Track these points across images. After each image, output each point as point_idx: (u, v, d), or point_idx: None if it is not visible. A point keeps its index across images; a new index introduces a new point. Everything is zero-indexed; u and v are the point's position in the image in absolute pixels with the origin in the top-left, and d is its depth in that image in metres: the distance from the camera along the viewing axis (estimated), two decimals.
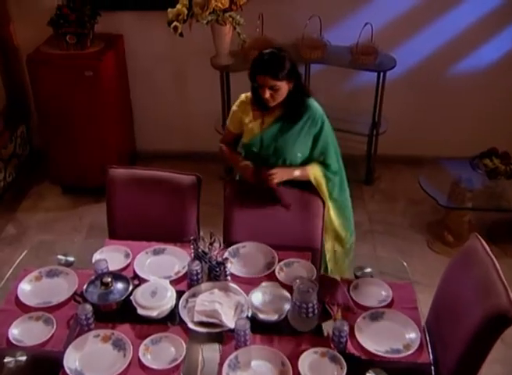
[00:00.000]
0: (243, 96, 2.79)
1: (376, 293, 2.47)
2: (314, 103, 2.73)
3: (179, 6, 3.59)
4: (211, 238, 2.56)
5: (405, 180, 4.56)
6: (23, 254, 2.72)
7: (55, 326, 2.30)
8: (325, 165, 2.80)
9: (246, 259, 2.65)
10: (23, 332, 2.29)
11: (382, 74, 4.04)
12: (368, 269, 2.62)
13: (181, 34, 3.62)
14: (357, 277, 2.57)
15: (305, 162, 2.78)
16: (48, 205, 4.36)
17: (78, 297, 2.39)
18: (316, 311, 2.27)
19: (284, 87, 2.58)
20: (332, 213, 2.87)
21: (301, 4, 4.15)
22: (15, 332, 2.28)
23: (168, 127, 4.70)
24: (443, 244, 3.89)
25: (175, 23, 3.55)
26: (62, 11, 3.85)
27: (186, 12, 3.57)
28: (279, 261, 2.62)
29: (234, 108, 2.81)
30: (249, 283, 2.48)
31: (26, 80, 4.51)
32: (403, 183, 4.54)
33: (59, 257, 2.69)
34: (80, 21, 3.86)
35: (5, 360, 2.17)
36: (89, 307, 2.29)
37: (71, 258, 2.69)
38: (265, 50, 2.63)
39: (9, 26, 4.34)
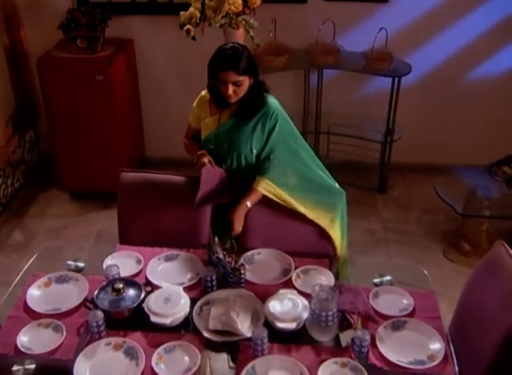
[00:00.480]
0: (203, 92, 2.75)
1: (397, 302, 2.38)
2: (271, 99, 2.67)
3: (191, 9, 3.54)
4: (226, 244, 2.49)
5: (419, 189, 4.48)
6: (32, 259, 2.64)
7: (64, 334, 2.21)
8: (269, 164, 2.67)
9: (261, 266, 2.56)
10: (32, 339, 2.21)
11: (396, 80, 3.96)
12: (388, 277, 2.53)
13: (193, 38, 3.56)
14: (376, 285, 2.49)
15: (256, 160, 2.69)
16: (55, 212, 4.29)
17: (89, 303, 2.31)
18: (336, 319, 2.19)
19: (246, 82, 2.54)
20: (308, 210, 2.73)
21: (315, 9, 4.10)
22: (23, 339, 2.20)
23: (178, 133, 4.60)
24: (460, 253, 3.80)
25: (187, 26, 3.49)
26: (73, 14, 3.81)
27: (198, 15, 3.51)
28: (296, 268, 2.54)
29: (195, 103, 2.78)
30: (265, 291, 2.40)
31: (35, 85, 4.47)
32: (418, 192, 4.46)
33: (69, 263, 2.61)
34: (91, 24, 3.81)
35: (14, 368, 2.09)
36: (100, 314, 2.21)
37: (81, 264, 2.61)
38: (224, 45, 2.58)
39: (20, 31, 4.29)
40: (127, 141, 4.25)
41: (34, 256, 2.66)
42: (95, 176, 4.25)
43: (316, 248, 2.70)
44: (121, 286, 2.32)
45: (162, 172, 2.86)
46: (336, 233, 2.73)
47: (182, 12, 3.58)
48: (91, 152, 4.18)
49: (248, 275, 2.48)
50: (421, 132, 4.47)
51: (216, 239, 2.49)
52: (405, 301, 2.38)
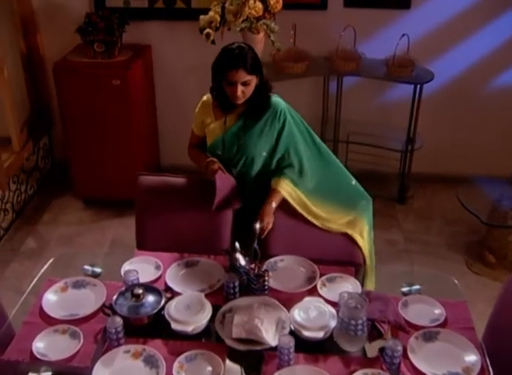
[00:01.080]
0: (204, 97, 2.66)
1: (427, 312, 2.27)
2: (277, 99, 2.59)
3: (211, 13, 3.49)
4: (248, 249, 2.40)
5: (440, 199, 4.38)
6: (47, 264, 2.56)
7: (81, 341, 2.13)
8: (287, 166, 2.60)
9: (284, 274, 2.47)
10: (48, 346, 2.12)
11: (418, 87, 3.88)
12: (417, 286, 2.43)
13: (213, 42, 3.50)
14: (404, 295, 2.39)
15: (268, 162, 2.61)
16: (69, 219, 4.22)
17: (107, 309, 2.22)
18: (365, 329, 2.09)
19: (253, 82, 2.46)
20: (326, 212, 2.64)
21: (335, 15, 4.04)
22: (39, 346, 2.12)
23: None
24: (484, 265, 3.69)
25: (207, 30, 3.43)
26: (91, 18, 3.77)
27: (218, 19, 3.46)
28: (321, 275, 2.45)
29: (197, 109, 2.69)
30: (289, 299, 2.30)
31: (50, 91, 4.43)
32: (438, 203, 4.36)
33: (86, 267, 2.53)
34: (109, 29, 3.77)
35: None
36: (119, 320, 2.12)
37: (98, 270, 2.53)
38: (229, 45, 2.49)
39: (36, 36, 4.26)
40: (143, 148, 4.19)
41: (49, 262, 2.58)
42: (109, 183, 4.19)
43: (340, 255, 2.60)
44: (140, 291, 2.23)
45: (181, 175, 2.78)
46: (363, 239, 2.64)
47: (201, 16, 3.52)
48: (106, 159, 4.11)
49: (271, 282, 2.38)
50: (443, 141, 4.38)
51: (237, 245, 2.40)
52: (436, 311, 2.27)
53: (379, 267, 2.78)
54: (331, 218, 2.61)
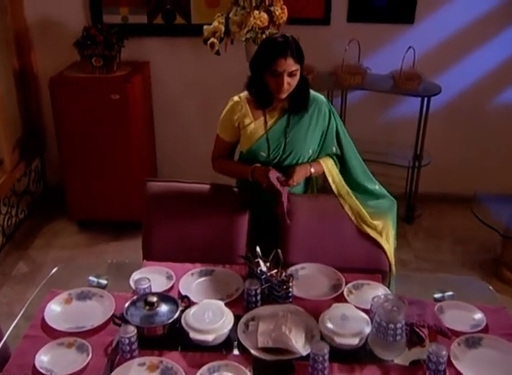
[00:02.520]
0: (235, 98, 2.49)
1: (466, 317, 2.10)
2: (316, 93, 2.49)
3: (215, 23, 3.39)
4: (271, 254, 2.22)
5: (448, 218, 4.25)
6: (51, 273, 2.36)
7: (90, 354, 1.91)
8: (337, 156, 2.53)
9: (307, 282, 2.29)
10: (53, 360, 1.90)
11: (426, 101, 3.80)
12: (450, 293, 2.27)
13: (218, 52, 3.39)
14: (437, 301, 2.22)
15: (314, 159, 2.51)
16: (63, 243, 4.00)
17: (117, 320, 2.01)
18: (404, 334, 1.91)
19: (298, 74, 2.33)
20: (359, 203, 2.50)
21: (338, 30, 3.97)
22: (43, 359, 1.90)
23: (193, 160, 4.41)
24: (502, 282, 3.54)
25: (212, 39, 3.32)
26: (90, 32, 3.64)
27: (223, 29, 3.36)
28: (346, 283, 2.27)
29: (227, 113, 2.49)
30: (315, 307, 2.12)
31: (44, 111, 4.29)
32: (447, 221, 4.23)
33: (91, 278, 2.33)
34: (108, 43, 3.64)
35: None
36: (133, 328, 1.91)
37: (104, 281, 2.33)
38: (271, 36, 2.38)
39: (30, 55, 4.12)
40: (141, 167, 4.01)
41: (52, 272, 2.38)
42: (106, 204, 3.99)
43: (365, 263, 2.43)
44: (155, 299, 2.03)
45: (192, 181, 2.60)
46: (388, 244, 2.48)
47: (205, 27, 3.42)
48: (103, 177, 3.93)
49: (294, 291, 2.20)
50: (450, 158, 4.27)
51: (258, 249, 2.22)
52: (475, 317, 2.10)
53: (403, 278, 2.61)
54: (364, 215, 2.46)
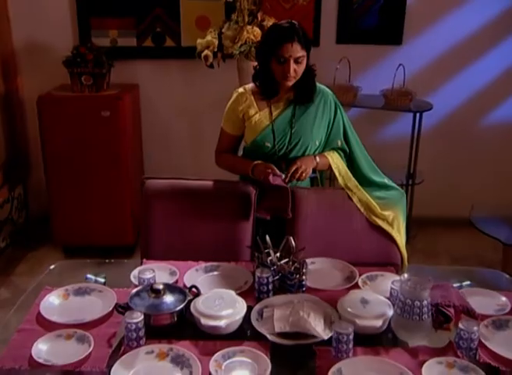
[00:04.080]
0: (240, 89, 2.45)
1: (489, 302, 2.01)
2: (321, 85, 2.46)
3: (208, 37, 3.38)
4: (284, 243, 2.10)
5: (443, 238, 4.20)
6: (47, 270, 2.23)
7: (92, 345, 1.75)
8: (344, 151, 2.48)
9: (319, 276, 2.16)
10: (51, 351, 1.74)
11: (418, 117, 3.80)
12: (468, 282, 2.17)
13: (211, 65, 3.37)
14: None
15: (320, 152, 2.45)
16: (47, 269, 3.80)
17: (122, 309, 1.86)
18: (430, 313, 1.79)
19: (305, 61, 2.29)
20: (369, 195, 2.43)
21: (327, 51, 3.97)
22: (41, 348, 1.74)
23: None
24: None
25: (206, 52, 3.30)
26: (80, 50, 3.60)
27: (216, 43, 3.35)
28: (360, 275, 2.16)
29: (232, 104, 2.44)
30: (330, 297, 1.99)
31: (29, 138, 4.17)
32: (442, 242, 4.17)
33: (89, 276, 2.19)
34: (98, 61, 3.59)
35: None
36: (140, 314, 1.77)
37: (102, 279, 2.18)
38: (278, 22, 2.35)
39: (16, 79, 4.05)
40: (130, 190, 3.89)
41: (51, 267, 2.25)
42: (93, 229, 3.83)
43: (376, 257, 2.34)
44: (161, 287, 1.89)
45: (193, 178, 2.50)
46: (400, 236, 2.40)
47: (199, 41, 3.41)
48: (90, 202, 3.79)
49: (307, 282, 2.08)
50: (442, 180, 4.25)
51: (268, 238, 2.11)
52: (499, 302, 2.01)
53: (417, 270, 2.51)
54: (373, 206, 2.38)
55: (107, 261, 2.35)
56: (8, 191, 3.96)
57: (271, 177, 2.27)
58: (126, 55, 3.99)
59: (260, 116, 2.38)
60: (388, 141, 4.19)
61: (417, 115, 3.80)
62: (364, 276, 2.16)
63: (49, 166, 3.75)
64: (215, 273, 2.19)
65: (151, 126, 4.17)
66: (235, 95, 2.44)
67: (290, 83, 2.30)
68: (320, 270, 2.21)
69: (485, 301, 2.00)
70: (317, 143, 2.40)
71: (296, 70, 2.27)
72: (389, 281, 2.08)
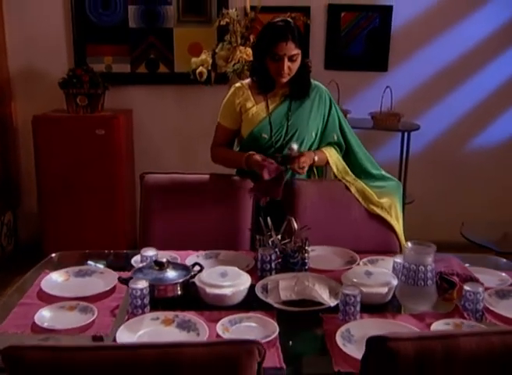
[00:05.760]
0: (237, 84, 2.53)
1: (491, 278, 2.02)
2: (317, 81, 2.53)
3: (203, 56, 3.48)
4: (286, 225, 2.11)
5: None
6: (44, 260, 2.21)
7: (95, 314, 1.73)
8: (340, 144, 2.53)
9: (320, 261, 2.15)
10: (55, 319, 1.71)
11: (406, 137, 3.89)
12: (467, 265, 2.18)
13: (206, 82, 3.45)
14: None
15: (316, 147, 2.50)
16: None
17: (125, 282, 1.84)
18: (435, 279, 1.80)
19: (299, 58, 2.36)
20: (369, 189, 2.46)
21: (316, 77, 4.10)
22: (45, 315, 1.72)
23: None
24: None
25: (200, 69, 3.39)
26: (76, 72, 3.68)
27: (210, 61, 3.45)
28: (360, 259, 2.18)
29: (229, 97, 2.50)
30: (333, 276, 1.99)
31: (21, 164, 4.19)
32: None
33: (89, 263, 2.16)
34: (94, 81, 3.67)
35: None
36: (144, 281, 1.76)
37: (101, 266, 2.16)
38: (272, 20, 2.41)
39: (10, 105, 4.10)
40: (123, 215, 3.88)
41: (47, 258, 2.24)
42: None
43: (375, 245, 2.34)
44: (164, 260, 1.89)
45: (191, 172, 2.53)
46: (398, 224, 2.43)
47: (193, 60, 3.51)
48: (84, 227, 3.77)
49: (309, 263, 2.08)
50: (432, 201, 4.31)
51: (269, 221, 2.12)
52: (500, 278, 2.03)
53: None
54: (370, 194, 2.41)
55: (106, 251, 2.33)
56: None
57: (265, 172, 2.28)
58: (121, 80, 4.07)
59: (257, 108, 2.44)
60: (377, 163, 4.25)
61: (406, 135, 3.90)
62: (365, 259, 2.17)
63: (43, 186, 3.75)
64: (216, 259, 2.19)
65: (144, 152, 4.21)
66: (232, 89, 2.51)
67: (285, 79, 2.38)
68: (321, 256, 2.21)
69: (486, 278, 2.01)
70: (313, 135, 2.46)
71: (290, 68, 2.35)
72: (390, 263, 2.09)
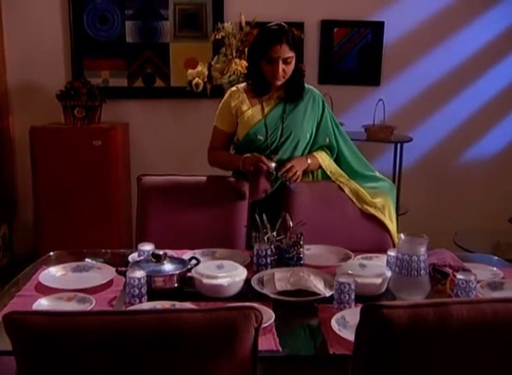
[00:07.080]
0: (233, 88, 2.59)
1: (483, 273, 2.04)
2: (309, 85, 2.61)
3: (199, 68, 3.55)
4: (281, 222, 2.15)
5: None
6: (42, 258, 2.22)
7: (93, 304, 1.75)
8: (332, 147, 2.58)
9: (315, 258, 2.18)
10: (53, 308, 1.73)
11: (399, 148, 3.95)
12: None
13: (202, 93, 3.51)
14: None
15: (310, 149, 2.55)
16: None
17: (122, 273, 1.87)
18: (428, 270, 1.83)
19: (293, 61, 2.43)
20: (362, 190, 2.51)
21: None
22: (43, 304, 1.73)
23: None
24: None
25: (196, 80, 3.45)
26: (73, 84, 3.73)
27: (206, 73, 3.51)
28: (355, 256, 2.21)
29: (225, 101, 2.56)
30: (327, 272, 2.02)
31: (17, 177, 4.21)
32: None
33: (87, 260, 2.18)
34: (91, 93, 3.73)
35: None
36: (142, 271, 1.78)
37: (99, 263, 2.18)
38: (266, 25, 2.48)
39: (8, 118, 4.15)
40: (119, 230, 3.89)
41: (45, 257, 2.24)
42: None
43: (369, 245, 2.36)
44: (161, 253, 1.92)
45: (187, 174, 2.57)
46: (392, 223, 2.46)
47: (189, 71, 3.57)
48: (81, 237, 3.75)
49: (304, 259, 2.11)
50: (426, 212, 4.35)
51: (265, 217, 2.15)
52: (492, 272, 2.07)
53: None
54: (363, 194, 2.46)
55: (103, 250, 2.35)
56: None
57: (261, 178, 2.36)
58: (117, 94, 4.13)
59: (252, 111, 2.50)
60: None
61: (398, 147, 3.96)
62: (359, 256, 2.20)
63: (39, 197, 3.76)
64: (213, 256, 2.21)
65: (141, 165, 4.23)
66: (228, 93, 2.57)
67: (280, 82, 2.44)
68: (316, 254, 2.24)
69: (478, 272, 2.02)
70: (307, 136, 2.51)
71: (285, 70, 2.41)
72: (384, 260, 2.12)
